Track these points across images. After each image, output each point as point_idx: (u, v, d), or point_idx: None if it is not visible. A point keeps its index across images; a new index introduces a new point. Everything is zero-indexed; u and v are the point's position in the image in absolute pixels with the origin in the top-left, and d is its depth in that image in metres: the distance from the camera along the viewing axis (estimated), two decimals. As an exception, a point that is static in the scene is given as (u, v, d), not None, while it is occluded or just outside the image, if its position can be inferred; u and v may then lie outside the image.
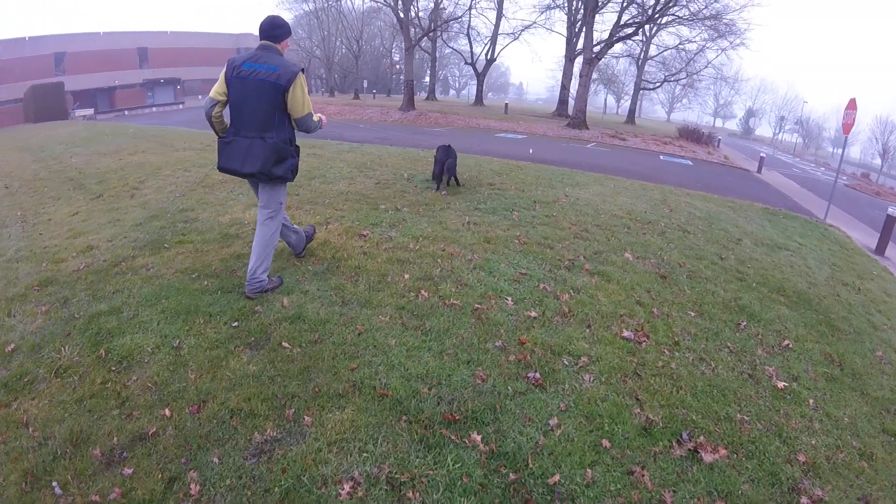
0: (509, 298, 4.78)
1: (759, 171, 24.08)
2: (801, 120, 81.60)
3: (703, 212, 9.85)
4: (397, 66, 68.49)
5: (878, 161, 75.95)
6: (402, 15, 35.50)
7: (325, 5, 52.44)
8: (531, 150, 17.56)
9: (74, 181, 10.39)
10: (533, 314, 4.52)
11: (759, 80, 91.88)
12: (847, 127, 12.78)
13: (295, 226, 5.31)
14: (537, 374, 3.66)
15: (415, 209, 7.57)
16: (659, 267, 6.18)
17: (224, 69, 4.23)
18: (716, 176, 18.96)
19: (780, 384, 4.06)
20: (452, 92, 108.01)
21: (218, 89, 4.24)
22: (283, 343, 3.84)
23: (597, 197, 9.77)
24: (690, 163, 22.76)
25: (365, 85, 58.87)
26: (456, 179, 9.47)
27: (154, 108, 51.58)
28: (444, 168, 9.17)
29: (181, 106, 52.68)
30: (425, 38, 44.60)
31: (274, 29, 4.24)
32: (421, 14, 43.22)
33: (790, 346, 4.76)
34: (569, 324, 4.46)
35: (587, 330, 4.38)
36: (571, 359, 3.94)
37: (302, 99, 4.17)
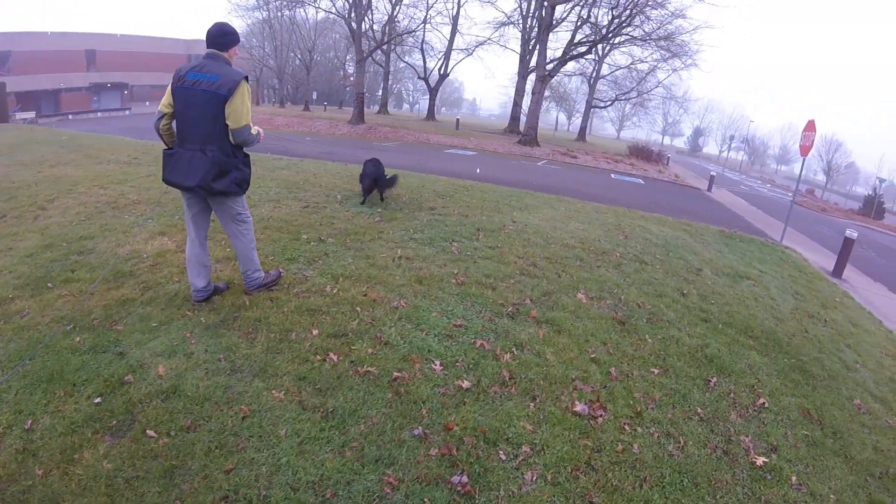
0: (437, 362, 3.91)
1: (710, 189, 24.04)
2: (747, 138, 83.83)
3: (660, 237, 9.23)
4: (350, 79, 67.50)
5: (821, 177, 78.99)
6: (354, 26, 34.64)
7: (279, 14, 51.23)
8: (478, 170, 16.74)
9: (-16, 196, 9.30)
10: (465, 384, 3.66)
11: (706, 101, 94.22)
12: (805, 149, 12.42)
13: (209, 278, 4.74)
14: (464, 478, 2.80)
15: (341, 240, 6.66)
16: (616, 309, 5.41)
17: (171, 80, 4.09)
18: (668, 195, 18.62)
19: (759, 460, 3.39)
20: (406, 106, 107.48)
21: (165, 101, 4.12)
22: (149, 430, 3.01)
23: (547, 223, 9.03)
24: (642, 181, 22.48)
25: (314, 97, 57.52)
26: (381, 195, 9.03)
27: (99, 114, 49.54)
28: (375, 183, 8.74)
29: (128, 112, 50.88)
30: (379, 51, 43.89)
31: (221, 36, 4.10)
32: (375, 27, 42.40)
33: (766, 404, 4.09)
34: (509, 396, 3.61)
35: (531, 404, 3.54)
36: (510, 449, 3.10)
37: (240, 109, 3.98)
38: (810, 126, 12.37)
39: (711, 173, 27.11)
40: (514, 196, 11.58)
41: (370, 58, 40.10)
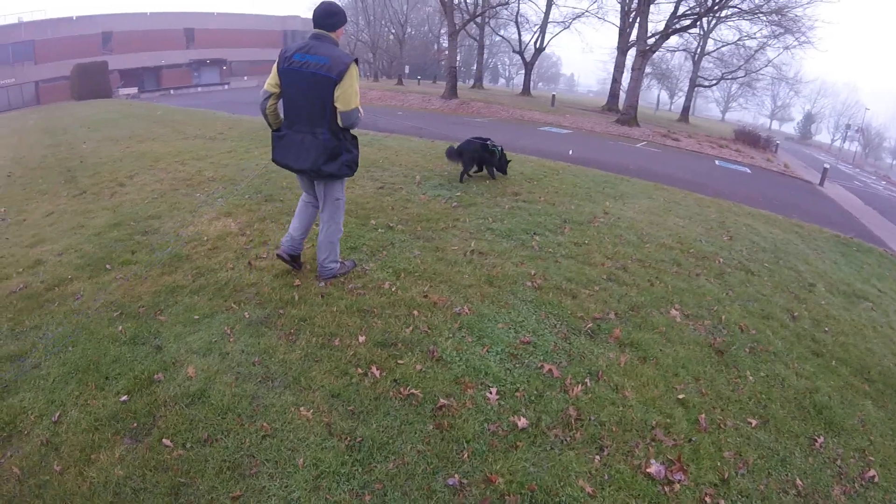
0: (494, 389, 3.35)
1: (822, 183, 21.95)
2: (862, 128, 77.14)
3: (768, 240, 8.22)
4: (444, 53, 66.78)
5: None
6: (445, -1, 33.94)
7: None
8: (570, 151, 15.59)
9: (70, 171, 9.98)
10: (522, 422, 3.09)
11: (819, 83, 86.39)
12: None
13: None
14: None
15: (412, 227, 6.20)
16: (714, 333, 4.63)
17: (277, 60, 4.04)
18: (777, 188, 17.05)
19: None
20: (502, 81, 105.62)
21: (271, 81, 4.06)
22: (165, 440, 2.77)
23: (642, 216, 8.18)
24: (749, 170, 20.80)
25: (406, 71, 57.02)
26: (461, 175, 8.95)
27: (199, 89, 52.54)
28: (459, 157, 8.81)
29: (226, 87, 53.50)
30: (473, 25, 42.99)
31: (329, 17, 4.01)
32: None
33: (875, 478, 3.24)
34: (572, 443, 3.01)
35: (597, 457, 2.92)
36: (562, 518, 2.55)
37: (350, 92, 3.89)
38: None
39: (825, 166, 24.81)
40: (608, 182, 10.73)
41: (464, 31, 39.37)
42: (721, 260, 6.60)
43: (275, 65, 4.04)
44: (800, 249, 8.20)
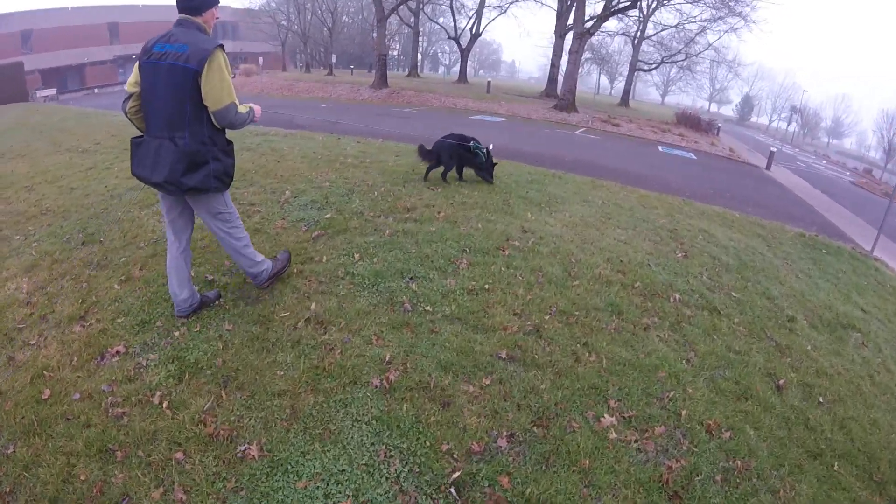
0: None
1: (769, 167, 21.04)
2: (800, 109, 79.04)
3: (731, 252, 6.63)
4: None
5: (873, 154, 74.33)
6: (373, -19, 31.97)
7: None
8: (492, 145, 12.67)
9: None
10: None
11: (757, 67, 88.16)
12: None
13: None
14: None
15: (240, 278, 4.29)
16: (669, 451, 2.88)
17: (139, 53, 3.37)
18: (726, 176, 15.78)
19: None
20: (443, 69, 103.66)
21: (131, 79, 3.40)
22: None
23: (573, 231, 6.36)
24: (694, 156, 19.65)
25: (334, 60, 54.02)
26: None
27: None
28: (435, 157, 7.91)
29: None
30: (408, 11, 40.99)
31: None
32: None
33: None
34: None
35: None
36: None
37: (219, 85, 3.18)
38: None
39: (771, 149, 23.92)
40: (535, 181, 8.95)
41: (399, 19, 37.06)
42: (677, 296, 4.90)
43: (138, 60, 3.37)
44: (768, 261, 6.68)
